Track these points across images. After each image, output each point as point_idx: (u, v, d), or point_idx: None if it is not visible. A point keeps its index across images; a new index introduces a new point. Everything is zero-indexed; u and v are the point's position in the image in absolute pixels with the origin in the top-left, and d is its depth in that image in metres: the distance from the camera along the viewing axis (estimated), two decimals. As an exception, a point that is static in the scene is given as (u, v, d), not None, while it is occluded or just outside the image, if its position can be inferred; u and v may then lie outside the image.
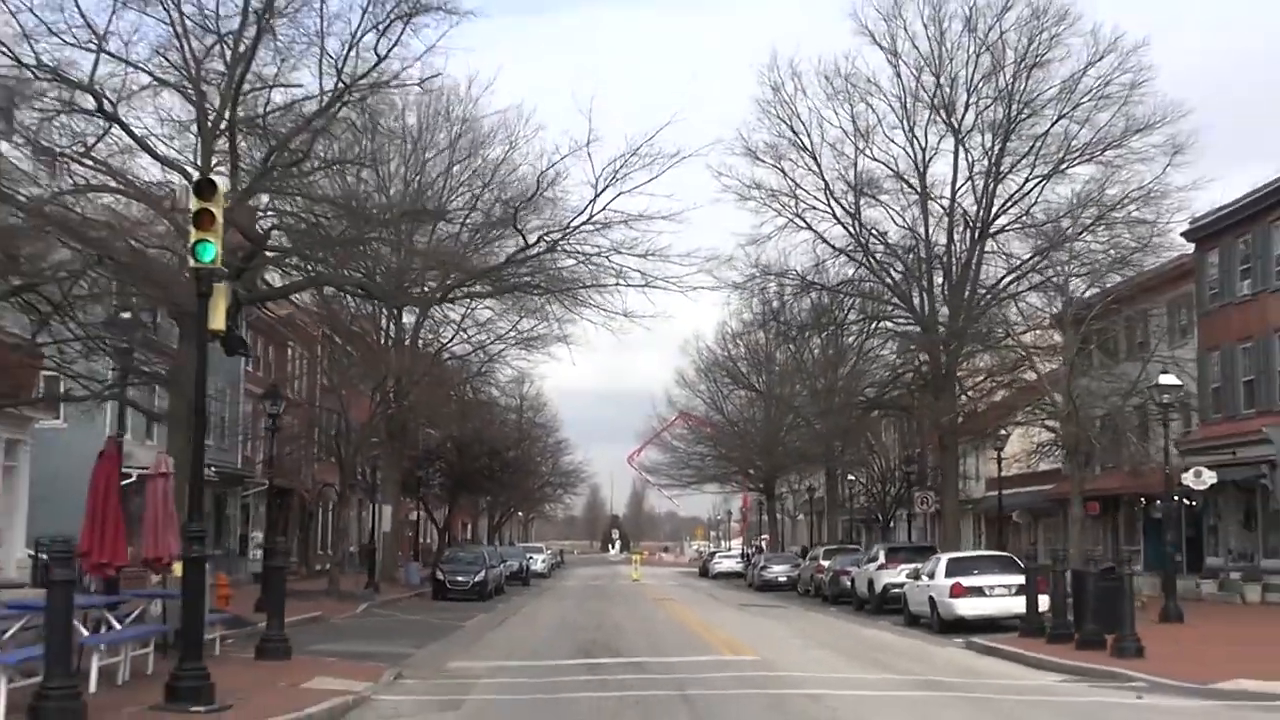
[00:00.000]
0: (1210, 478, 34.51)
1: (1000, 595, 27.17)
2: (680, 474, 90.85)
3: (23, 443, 31.27)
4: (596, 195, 32.94)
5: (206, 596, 16.40)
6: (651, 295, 52.00)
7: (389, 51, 23.19)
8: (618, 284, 33.25)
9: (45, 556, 16.16)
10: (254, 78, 23.81)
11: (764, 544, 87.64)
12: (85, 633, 14.33)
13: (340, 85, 23.16)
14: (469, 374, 48.33)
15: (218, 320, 13.31)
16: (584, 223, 32.57)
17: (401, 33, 23.28)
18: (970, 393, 44.86)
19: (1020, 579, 26.77)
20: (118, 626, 15.64)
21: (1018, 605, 25.71)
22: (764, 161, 44.63)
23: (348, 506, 43.34)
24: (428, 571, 48.68)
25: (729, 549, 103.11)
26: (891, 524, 62.54)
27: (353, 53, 23.82)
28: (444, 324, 42.54)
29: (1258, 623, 28.75)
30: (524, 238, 32.30)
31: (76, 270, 19.11)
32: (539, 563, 74.81)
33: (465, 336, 43.71)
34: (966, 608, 27.38)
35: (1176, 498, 35.50)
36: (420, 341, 40.24)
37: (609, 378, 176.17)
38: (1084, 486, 36.87)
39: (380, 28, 23.14)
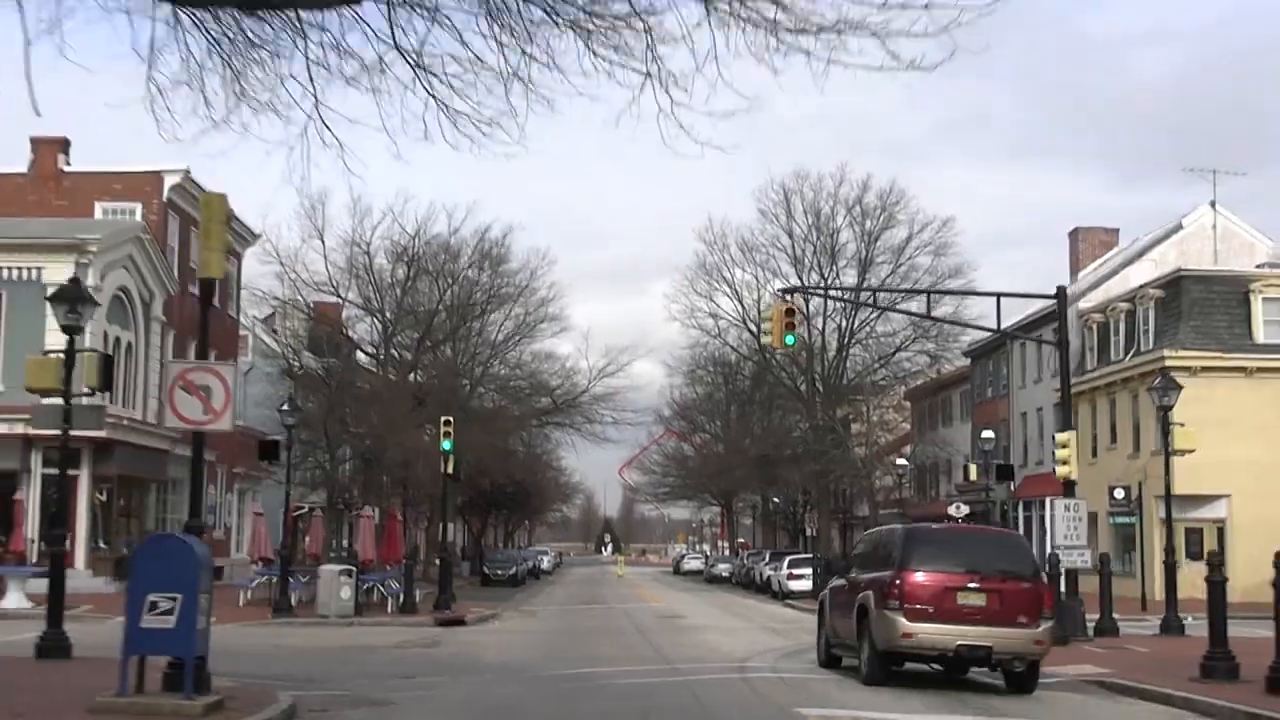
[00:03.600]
0: (965, 509, 57.67)
1: (810, 578, 49.93)
2: (657, 491, 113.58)
3: (251, 491, 54.13)
4: (590, 383, 57.33)
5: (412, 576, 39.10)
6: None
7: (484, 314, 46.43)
8: (601, 423, 57.30)
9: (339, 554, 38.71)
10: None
11: (725, 548, 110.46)
12: (396, 585, 36.98)
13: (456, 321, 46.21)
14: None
15: (450, 469, 35.98)
16: (583, 394, 56.37)
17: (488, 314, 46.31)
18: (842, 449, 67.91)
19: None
20: (396, 584, 38.33)
21: (814, 583, 48.53)
22: (700, 294, 67.93)
23: (433, 525, 66.29)
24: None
25: (697, 552, 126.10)
26: (806, 532, 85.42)
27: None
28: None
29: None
30: (554, 401, 56.04)
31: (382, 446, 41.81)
32: (545, 562, 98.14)
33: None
34: (794, 585, 50.22)
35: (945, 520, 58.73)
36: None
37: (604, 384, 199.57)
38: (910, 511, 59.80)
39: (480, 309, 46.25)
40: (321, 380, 40.79)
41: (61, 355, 18.38)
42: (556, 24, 12.15)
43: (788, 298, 32.76)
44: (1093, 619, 27.01)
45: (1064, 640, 25.36)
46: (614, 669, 19.90)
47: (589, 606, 43.61)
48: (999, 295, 30.94)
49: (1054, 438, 38.41)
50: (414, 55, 12.82)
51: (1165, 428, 28.30)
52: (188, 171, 43.17)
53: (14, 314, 35.99)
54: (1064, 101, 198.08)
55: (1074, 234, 57.81)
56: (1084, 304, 51.81)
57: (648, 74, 11.92)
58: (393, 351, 47.18)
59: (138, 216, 42.29)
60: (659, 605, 44.80)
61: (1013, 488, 55.86)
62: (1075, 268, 57.40)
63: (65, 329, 18.42)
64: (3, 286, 36.44)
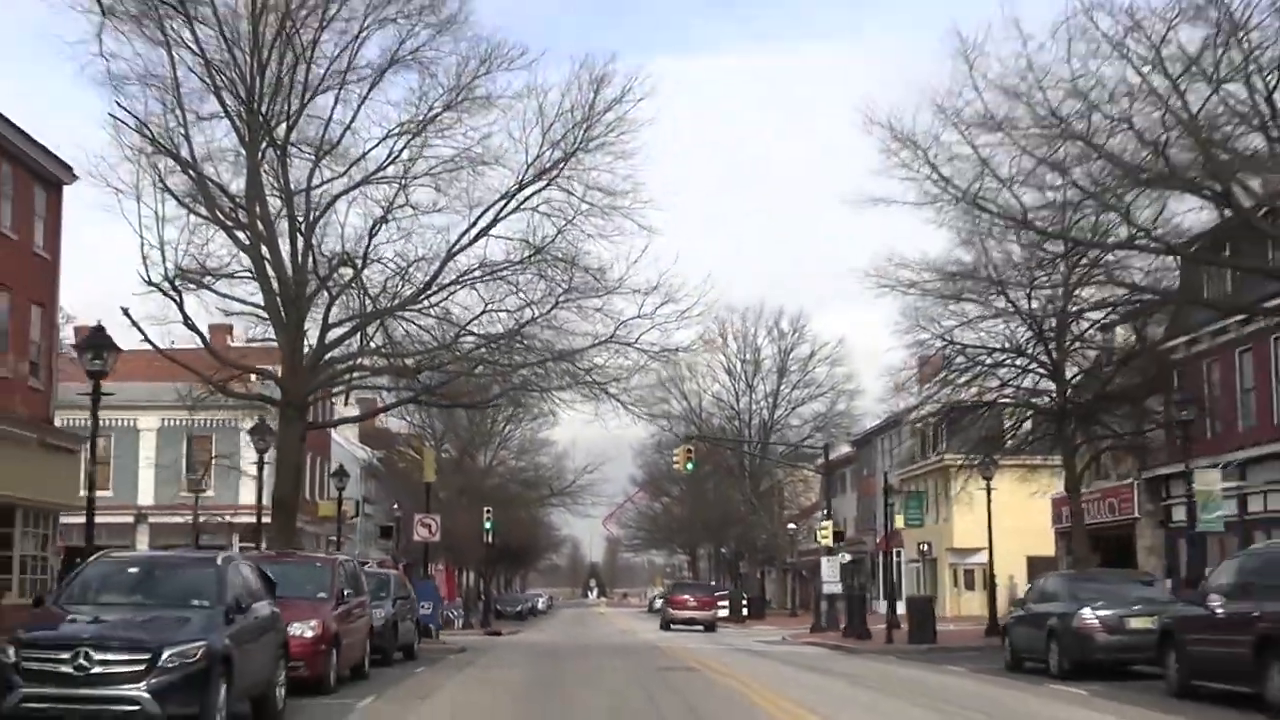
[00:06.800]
0: (848, 557, 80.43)
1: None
2: (632, 542, 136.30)
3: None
4: (575, 480, 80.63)
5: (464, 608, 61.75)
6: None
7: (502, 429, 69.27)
8: (583, 504, 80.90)
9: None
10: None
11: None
12: (459, 610, 59.40)
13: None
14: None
15: (490, 540, 58.27)
16: (570, 485, 79.87)
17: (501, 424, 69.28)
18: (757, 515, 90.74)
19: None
20: (456, 611, 60.67)
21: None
22: (658, 398, 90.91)
23: (458, 574, 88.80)
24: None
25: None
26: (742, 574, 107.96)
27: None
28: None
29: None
30: (551, 489, 79.43)
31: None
32: (540, 604, 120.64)
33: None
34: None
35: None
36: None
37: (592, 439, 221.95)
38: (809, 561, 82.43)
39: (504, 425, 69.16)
40: (403, 484, 63.11)
41: (336, 500, 41.11)
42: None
43: (689, 443, 55.24)
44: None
45: (822, 629, 48.16)
46: (591, 645, 42.65)
47: (578, 628, 66.14)
48: (796, 446, 53.61)
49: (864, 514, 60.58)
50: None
51: (888, 514, 51.06)
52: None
53: (220, 449, 58.32)
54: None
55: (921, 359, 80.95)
56: (916, 414, 74.49)
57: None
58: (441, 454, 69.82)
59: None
60: (622, 626, 67.40)
61: (879, 541, 78.63)
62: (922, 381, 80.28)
63: (337, 488, 41.17)
64: (214, 431, 58.87)
